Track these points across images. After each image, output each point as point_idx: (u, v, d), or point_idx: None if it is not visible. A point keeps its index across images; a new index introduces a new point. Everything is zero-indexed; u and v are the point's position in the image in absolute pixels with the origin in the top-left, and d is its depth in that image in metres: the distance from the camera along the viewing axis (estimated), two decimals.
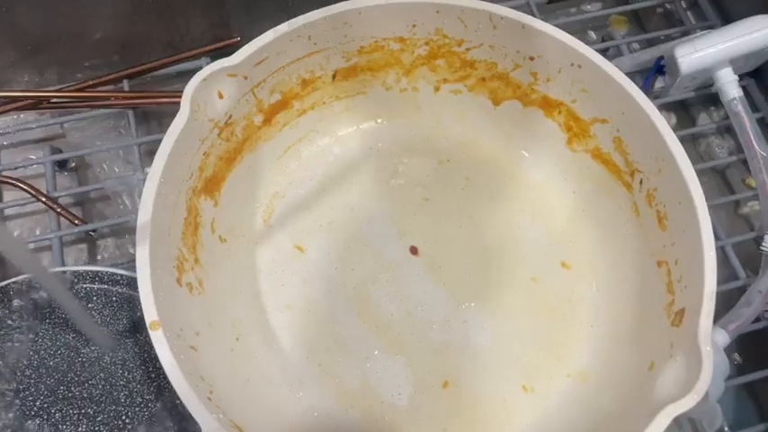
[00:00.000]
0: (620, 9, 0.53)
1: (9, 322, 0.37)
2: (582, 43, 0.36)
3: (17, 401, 0.36)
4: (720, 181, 0.49)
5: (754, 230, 0.45)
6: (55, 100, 0.47)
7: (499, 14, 0.37)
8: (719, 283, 0.41)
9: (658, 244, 0.35)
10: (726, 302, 0.40)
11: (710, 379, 0.28)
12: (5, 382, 0.36)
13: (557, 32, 0.36)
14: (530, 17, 0.37)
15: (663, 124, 0.34)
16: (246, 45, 0.36)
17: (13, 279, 0.37)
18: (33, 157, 0.47)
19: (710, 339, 0.29)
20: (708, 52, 0.43)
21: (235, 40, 0.49)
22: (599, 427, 0.33)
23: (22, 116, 0.49)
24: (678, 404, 0.28)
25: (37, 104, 0.47)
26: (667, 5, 0.54)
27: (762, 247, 0.41)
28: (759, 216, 0.45)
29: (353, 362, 0.37)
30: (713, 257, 0.31)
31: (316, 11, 0.37)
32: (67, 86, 0.48)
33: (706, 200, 0.33)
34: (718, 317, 0.38)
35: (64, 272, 0.38)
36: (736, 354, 0.41)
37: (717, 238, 0.43)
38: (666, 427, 0.28)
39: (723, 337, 0.36)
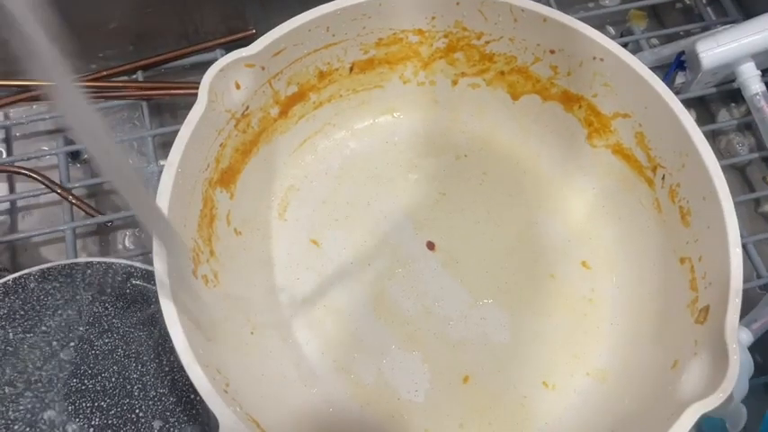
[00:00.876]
0: (640, 4, 0.53)
1: (22, 313, 0.36)
2: (605, 36, 0.36)
3: (29, 393, 0.35)
4: (741, 178, 0.48)
5: None
6: None
7: (520, 6, 0.36)
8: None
9: (681, 240, 0.35)
10: (747, 301, 0.39)
11: (737, 377, 0.28)
12: (17, 374, 0.36)
13: (579, 25, 0.36)
14: (551, 9, 0.36)
15: (687, 118, 0.34)
16: (265, 35, 0.35)
17: (27, 270, 0.37)
18: (46, 148, 0.47)
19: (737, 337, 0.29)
20: (730, 47, 0.43)
21: (250, 32, 0.48)
22: (620, 426, 0.33)
23: (34, 107, 0.48)
24: (704, 402, 0.27)
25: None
26: (687, 1, 0.54)
27: None
28: None
29: (369, 357, 0.37)
30: (739, 253, 0.31)
31: (335, 1, 0.36)
32: (81, 77, 0.47)
33: None
34: (740, 316, 0.37)
35: (78, 263, 0.37)
36: (757, 354, 0.41)
37: None
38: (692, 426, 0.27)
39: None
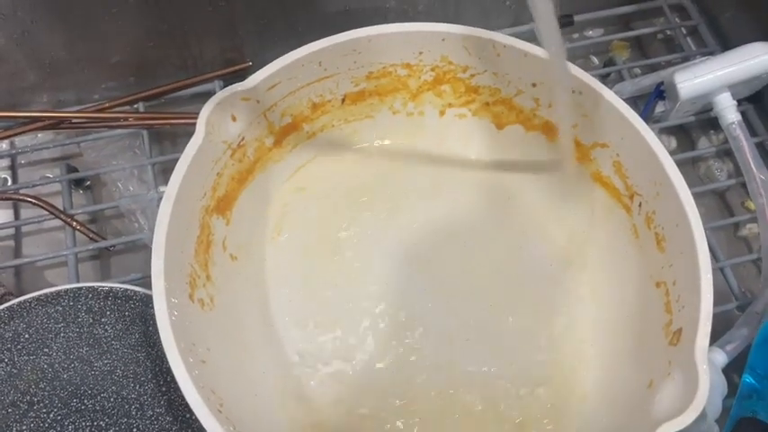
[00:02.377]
0: (622, 35, 0.55)
1: (26, 336, 0.38)
2: (582, 70, 0.37)
3: (31, 414, 0.37)
4: (720, 203, 0.50)
5: (752, 252, 0.46)
6: (73, 120, 0.48)
7: (502, 43, 0.38)
8: (718, 304, 0.42)
9: (657, 265, 0.36)
10: (724, 323, 0.41)
11: (707, 397, 0.29)
12: (20, 395, 0.37)
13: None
14: (531, 45, 0.38)
15: (660, 149, 0.35)
16: (260, 70, 0.37)
17: (31, 295, 0.38)
18: (50, 176, 0.49)
19: (707, 358, 0.30)
20: (706, 78, 0.45)
21: (247, 64, 0.50)
22: None
23: (39, 136, 0.50)
24: (675, 421, 0.29)
25: (56, 125, 0.48)
26: (668, 32, 0.56)
27: None
28: (758, 238, 0.45)
29: (361, 377, 0.38)
30: (710, 279, 0.32)
31: (326, 38, 0.38)
32: (85, 108, 0.49)
33: (706, 222, 0.34)
34: (716, 337, 0.39)
35: (80, 288, 0.39)
36: (734, 375, 0.42)
37: (716, 259, 0.44)
38: None
39: (721, 358, 0.37)
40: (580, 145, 0.40)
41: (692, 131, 0.52)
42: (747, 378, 0.37)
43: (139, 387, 0.37)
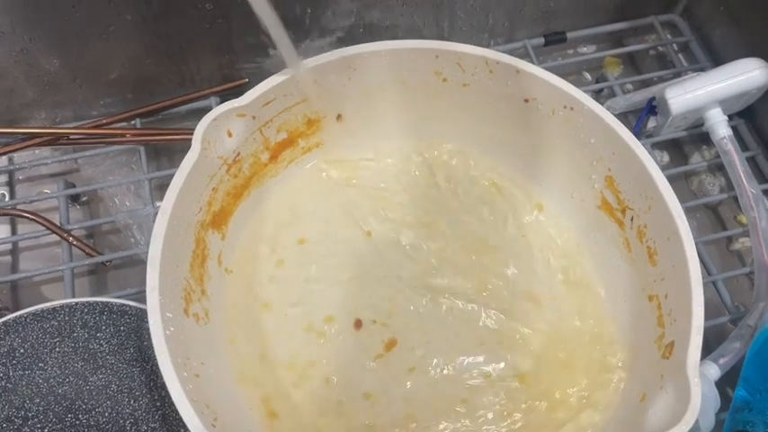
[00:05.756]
0: (615, 51, 0.55)
1: (22, 351, 0.38)
2: (573, 87, 0.38)
3: (26, 429, 0.37)
4: (713, 217, 0.50)
5: (745, 266, 0.46)
6: (71, 136, 0.48)
7: (495, 59, 0.39)
8: (711, 317, 0.42)
9: (649, 279, 0.36)
10: (718, 336, 0.41)
11: (699, 410, 0.29)
12: (15, 410, 0.37)
13: (549, 76, 0.38)
14: (523, 62, 0.39)
15: (651, 163, 0.36)
16: (255, 87, 0.38)
17: (27, 310, 0.38)
18: (48, 191, 0.49)
19: (699, 372, 0.30)
20: (697, 94, 0.45)
21: (243, 81, 0.51)
22: None
23: (37, 152, 0.51)
24: None
25: (54, 141, 0.48)
26: (660, 48, 0.57)
27: None
28: (750, 252, 0.46)
29: (351, 395, 0.38)
30: (701, 292, 0.32)
31: (321, 55, 0.39)
32: (83, 124, 0.50)
33: (698, 236, 0.34)
34: (710, 350, 0.39)
35: (75, 303, 0.39)
36: (728, 388, 0.42)
37: (709, 273, 0.44)
38: None
39: (714, 371, 0.37)
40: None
41: (685, 146, 0.52)
42: (741, 391, 0.37)
43: (134, 402, 0.37)
